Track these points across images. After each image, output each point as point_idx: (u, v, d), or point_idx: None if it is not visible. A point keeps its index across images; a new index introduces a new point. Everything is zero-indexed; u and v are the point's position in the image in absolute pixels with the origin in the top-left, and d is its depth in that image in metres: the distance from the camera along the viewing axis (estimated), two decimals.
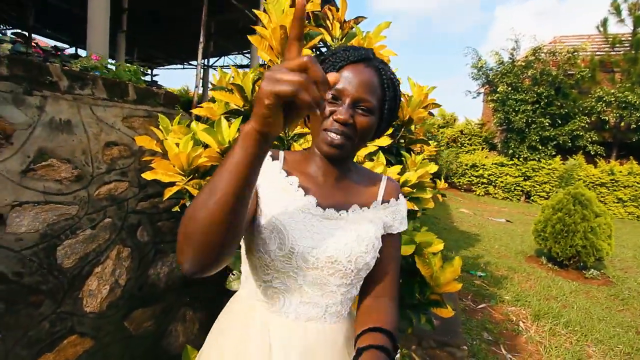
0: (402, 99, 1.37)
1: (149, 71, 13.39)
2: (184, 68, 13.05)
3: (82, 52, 11.00)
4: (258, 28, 1.27)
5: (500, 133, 12.32)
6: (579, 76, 10.49)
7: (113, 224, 1.34)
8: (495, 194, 12.05)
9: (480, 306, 3.09)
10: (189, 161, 1.21)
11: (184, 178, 1.22)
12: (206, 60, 10.88)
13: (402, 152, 1.60)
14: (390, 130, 1.40)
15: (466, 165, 12.36)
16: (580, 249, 4.21)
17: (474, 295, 3.34)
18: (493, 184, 12.06)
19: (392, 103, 0.68)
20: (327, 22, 1.42)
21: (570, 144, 10.74)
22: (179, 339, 1.49)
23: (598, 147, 10.67)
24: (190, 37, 7.60)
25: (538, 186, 11.18)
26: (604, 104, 10.33)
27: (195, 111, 1.45)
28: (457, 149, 13.31)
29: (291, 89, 0.38)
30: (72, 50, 10.99)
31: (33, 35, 8.80)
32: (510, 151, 11.37)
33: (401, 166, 1.36)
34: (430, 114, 1.76)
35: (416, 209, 1.47)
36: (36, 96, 1.21)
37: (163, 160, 1.24)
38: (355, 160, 1.19)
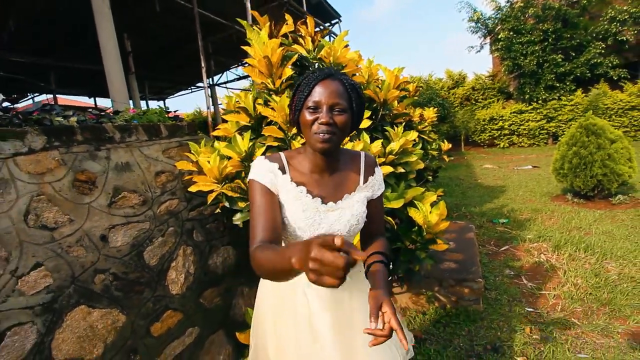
0: (376, 85, 1.69)
1: (164, 103, 14.23)
2: (191, 91, 13.73)
3: (99, 101, 11.93)
4: (248, 60, 1.64)
5: (512, 80, 11.96)
6: (585, 1, 9.97)
7: (175, 231, 1.78)
8: (520, 142, 11.79)
9: (502, 249, 3.33)
10: (219, 172, 1.61)
11: (218, 185, 1.63)
12: (210, 79, 11.45)
13: (386, 127, 1.91)
14: (368, 114, 1.73)
15: (484, 120, 12.15)
16: (601, 177, 4.27)
17: (497, 240, 3.56)
18: (516, 133, 11.79)
19: (357, 101, 0.90)
20: (300, 39, 1.75)
21: (589, 74, 10.27)
22: (242, 309, 1.92)
23: (621, 70, 10.13)
24: (192, 62, 8.13)
25: (564, 125, 10.81)
26: (618, 24, 9.78)
27: (214, 133, 1.86)
28: (472, 106, 13.06)
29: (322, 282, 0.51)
30: (91, 101, 11.97)
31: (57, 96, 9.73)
32: (527, 96, 11.06)
33: (381, 141, 1.68)
34: (405, 90, 2.04)
35: (403, 170, 1.78)
36: (102, 150, 1.66)
37: (200, 175, 1.65)
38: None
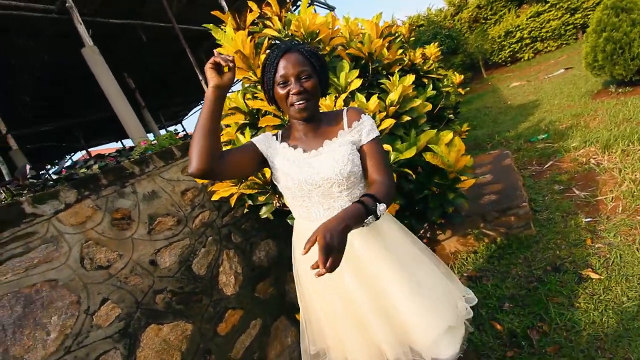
0: (358, 40, 1.63)
1: (182, 125, 14.76)
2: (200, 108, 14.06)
3: (127, 142, 12.67)
4: None
5: None
6: None
7: (214, 239, 1.89)
8: (545, 48, 10.74)
9: (546, 166, 3.13)
10: (227, 188, 1.66)
11: (236, 187, 1.69)
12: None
13: (381, 80, 1.84)
14: (356, 73, 1.67)
15: (499, 37, 11.17)
16: None
17: (538, 158, 3.35)
18: (538, 38, 10.73)
19: (319, 64, 0.98)
20: (268, 22, 1.72)
21: None
22: (295, 293, 2.03)
23: None
24: (194, 78, 8.30)
25: (591, 12, 9.62)
26: None
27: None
28: (482, 26, 12.04)
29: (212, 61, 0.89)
30: (119, 145, 12.75)
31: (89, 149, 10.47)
32: None
33: (376, 95, 1.62)
34: (390, 35, 1.94)
35: (409, 118, 1.72)
36: (128, 186, 1.78)
37: (218, 183, 1.72)
38: (334, 107, 1.52)
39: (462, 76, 4.16)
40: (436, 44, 3.65)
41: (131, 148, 2.22)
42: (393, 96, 1.71)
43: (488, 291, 1.87)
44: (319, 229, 0.75)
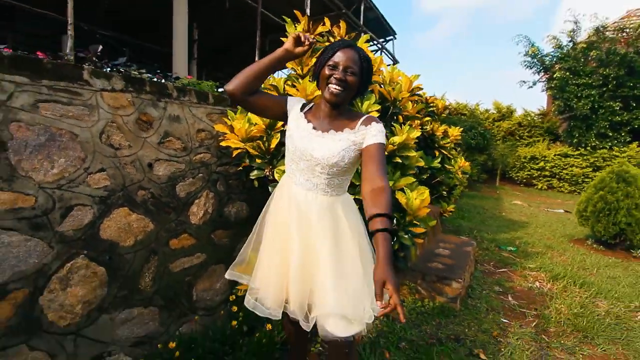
0: (391, 86, 1.98)
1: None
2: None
3: None
4: None
5: (563, 122, 11.52)
6: None
7: (203, 177, 2.17)
8: (560, 187, 11.27)
9: (499, 270, 3.41)
10: (246, 133, 1.97)
11: (244, 144, 2.00)
12: None
13: (394, 124, 2.19)
14: (377, 107, 2.02)
15: (524, 158, 11.78)
16: (624, 226, 4.16)
17: (497, 262, 3.64)
18: (557, 176, 11.30)
19: (367, 70, 1.16)
20: (331, 38, 2.10)
21: None
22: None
23: None
24: (247, 57, 8.84)
25: None
26: None
27: None
28: (515, 142, 12.72)
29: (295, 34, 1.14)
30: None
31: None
32: (575, 140, 10.60)
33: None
34: (418, 95, 2.31)
35: (399, 160, 2.04)
36: (162, 101, 2.09)
37: (232, 134, 2.03)
38: None
39: (469, 163, 4.53)
40: (458, 128, 4.04)
41: (177, 77, 2.55)
42: (396, 139, 2.05)
43: (395, 329, 2.11)
44: (389, 283, 0.88)
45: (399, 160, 2.06)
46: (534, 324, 2.39)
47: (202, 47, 8.64)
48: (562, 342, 2.18)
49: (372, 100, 2.02)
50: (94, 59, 1.91)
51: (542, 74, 11.28)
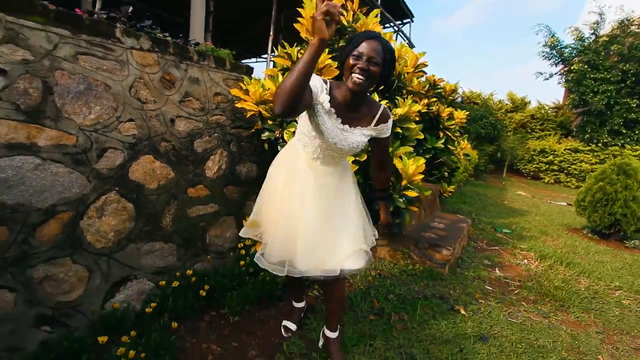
0: (396, 61, 2.11)
1: None
2: (256, 62, 14.64)
3: None
4: (300, 19, 2.14)
5: (577, 117, 11.37)
6: None
7: (218, 137, 2.36)
8: (567, 182, 11.25)
9: (491, 247, 3.58)
10: (260, 96, 2.14)
11: (257, 106, 2.17)
12: (275, 52, 12.18)
13: (397, 97, 2.33)
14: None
15: (534, 150, 11.73)
16: (619, 217, 4.27)
17: (490, 241, 3.81)
18: (565, 171, 11.26)
19: (389, 61, 1.23)
20: (345, 11, 2.22)
21: None
22: (250, 210, 2.48)
23: None
24: (262, 33, 8.85)
25: None
26: None
27: (265, 72, 2.40)
28: (525, 134, 12.61)
29: (325, 9, 0.93)
30: None
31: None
32: (587, 136, 10.50)
33: (385, 102, 2.10)
34: (423, 72, 2.43)
35: (400, 130, 2.19)
36: (183, 64, 2.26)
37: (247, 96, 2.20)
38: None
39: (476, 151, 4.61)
40: (464, 112, 4.11)
41: (197, 43, 2.70)
42: (399, 111, 2.20)
43: (385, 284, 2.33)
44: (385, 219, 1.58)
45: (400, 131, 2.21)
46: (516, 292, 2.58)
47: (217, 20, 8.68)
48: (539, 308, 2.37)
49: None
50: (124, 19, 2.07)
51: (561, 65, 11.06)
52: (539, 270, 3.05)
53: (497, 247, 3.61)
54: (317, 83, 1.21)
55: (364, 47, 1.18)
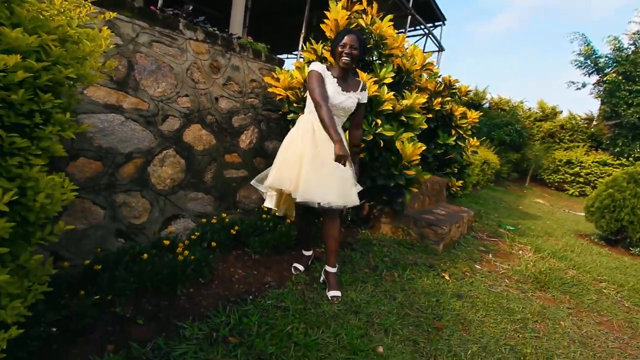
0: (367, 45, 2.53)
1: None
2: (287, 57, 15.20)
3: None
4: (326, 20, 2.56)
5: (609, 129, 11.06)
6: None
7: (252, 116, 2.83)
8: None
9: (491, 239, 3.85)
10: (288, 83, 2.58)
11: (285, 91, 2.61)
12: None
13: (404, 91, 2.69)
14: (392, 74, 2.53)
15: (560, 161, 11.52)
16: (626, 223, 4.38)
17: (491, 233, 4.07)
18: (592, 184, 11.00)
19: (362, 47, 1.93)
20: (364, 15, 2.61)
21: None
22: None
23: None
24: (294, 30, 9.33)
25: None
26: None
27: (294, 63, 2.84)
28: (552, 143, 12.38)
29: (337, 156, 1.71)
30: None
31: None
32: (618, 149, 10.23)
33: (393, 93, 2.48)
34: (429, 70, 2.78)
35: (404, 119, 2.56)
36: (228, 53, 2.74)
37: (277, 83, 2.65)
38: (368, 83, 2.39)
39: (478, 142, 4.86)
40: (477, 112, 4.37)
41: (239, 37, 3.18)
42: (405, 102, 2.57)
43: (383, 251, 2.71)
44: (349, 161, 1.74)
45: (404, 119, 2.58)
46: (502, 272, 2.88)
47: (252, 16, 9.25)
48: (520, 285, 2.67)
49: (389, 69, 2.53)
50: (184, 15, 2.57)
51: (595, 75, 10.80)
52: (530, 259, 3.31)
53: (496, 239, 3.87)
54: (321, 68, 1.87)
55: (346, 39, 1.86)
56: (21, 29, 0.83)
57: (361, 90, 1.99)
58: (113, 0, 1.98)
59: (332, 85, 1.89)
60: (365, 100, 2.02)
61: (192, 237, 2.00)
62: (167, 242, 1.83)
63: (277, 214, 2.22)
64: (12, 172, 0.86)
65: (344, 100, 1.91)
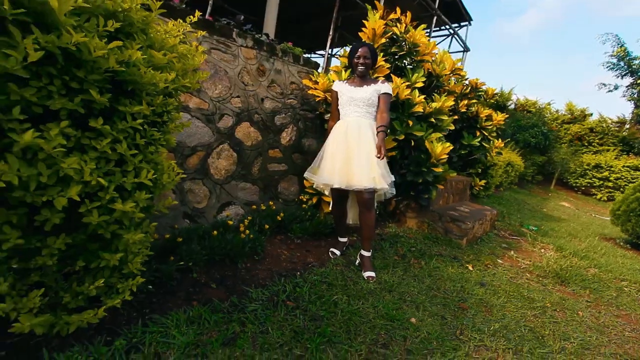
0: (438, 64, 2.71)
1: None
2: (310, 57, 15.49)
3: None
4: (363, 29, 2.79)
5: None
6: None
7: (291, 116, 3.10)
8: None
9: (513, 237, 3.98)
10: (326, 86, 2.83)
11: (324, 93, 2.86)
12: (330, 49, 12.89)
13: (434, 94, 2.89)
14: (423, 79, 2.74)
15: (588, 165, 11.25)
16: None
17: (514, 232, 4.18)
18: (621, 189, 10.69)
19: (374, 55, 2.32)
20: (398, 24, 2.82)
21: None
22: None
23: None
24: (319, 31, 9.59)
25: None
26: None
27: (331, 68, 3.09)
28: (580, 147, 12.09)
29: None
30: None
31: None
32: None
33: (424, 97, 2.68)
34: (458, 74, 2.96)
35: (433, 121, 2.76)
36: (272, 58, 3.02)
37: (316, 85, 2.91)
38: (404, 92, 2.61)
39: (503, 143, 4.95)
40: (503, 114, 4.49)
41: (280, 42, 3.46)
42: (434, 105, 2.77)
43: (411, 242, 2.92)
44: (381, 147, 2.02)
45: (433, 121, 2.78)
46: (523, 267, 3.03)
47: (279, 19, 9.57)
48: (541, 280, 2.82)
49: (420, 73, 2.74)
50: (235, 24, 2.87)
51: (629, 77, 10.48)
52: (552, 257, 3.43)
53: (518, 238, 3.99)
54: (337, 85, 2.37)
55: (360, 52, 2.24)
56: (162, 52, 1.11)
57: (379, 83, 2.26)
58: (179, 13, 2.29)
59: (348, 87, 2.31)
60: (385, 91, 2.24)
61: (245, 221, 2.29)
62: (230, 222, 2.13)
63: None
64: (148, 157, 1.15)
65: (359, 92, 2.25)
